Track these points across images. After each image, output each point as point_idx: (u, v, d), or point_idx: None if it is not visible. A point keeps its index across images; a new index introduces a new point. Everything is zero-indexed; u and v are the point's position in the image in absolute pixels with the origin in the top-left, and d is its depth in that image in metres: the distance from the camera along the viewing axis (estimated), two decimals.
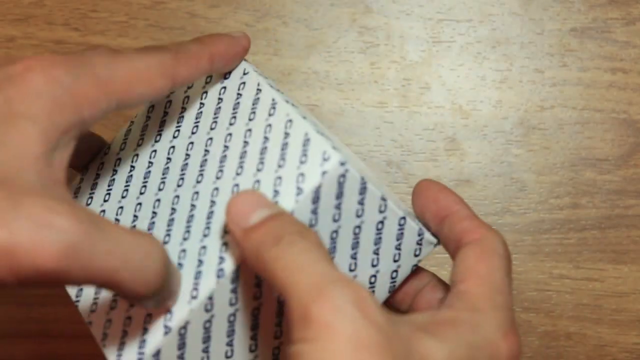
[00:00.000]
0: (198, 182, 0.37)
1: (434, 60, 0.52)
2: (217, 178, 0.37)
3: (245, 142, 0.37)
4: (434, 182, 0.37)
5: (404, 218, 0.36)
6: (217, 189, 0.36)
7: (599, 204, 0.51)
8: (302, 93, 0.52)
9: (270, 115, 0.36)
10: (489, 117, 0.52)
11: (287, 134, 0.35)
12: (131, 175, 0.40)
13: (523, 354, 0.51)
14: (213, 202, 0.36)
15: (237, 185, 0.36)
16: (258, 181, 0.35)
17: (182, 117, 0.40)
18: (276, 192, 0.34)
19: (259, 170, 0.35)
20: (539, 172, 0.51)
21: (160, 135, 0.40)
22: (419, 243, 0.37)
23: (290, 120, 0.35)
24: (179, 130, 0.40)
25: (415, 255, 0.37)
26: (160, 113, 0.41)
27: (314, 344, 0.28)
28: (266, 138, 0.36)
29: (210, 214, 0.36)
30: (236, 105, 0.38)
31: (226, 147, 0.37)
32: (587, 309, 0.51)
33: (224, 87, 0.39)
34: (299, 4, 0.52)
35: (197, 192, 0.37)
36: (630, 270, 0.51)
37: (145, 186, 0.39)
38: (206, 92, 0.40)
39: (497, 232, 0.35)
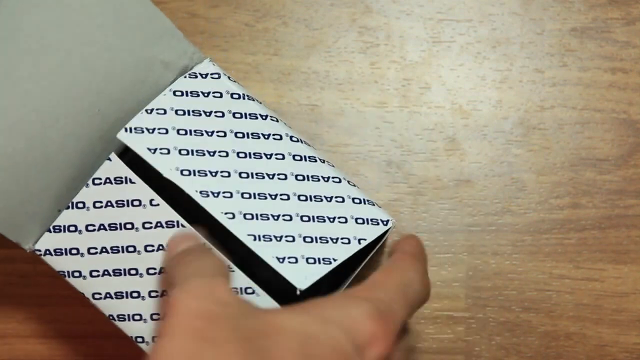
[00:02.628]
0: None
1: (434, 60, 0.52)
2: None
3: None
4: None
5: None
6: None
7: (599, 204, 0.51)
8: (302, 93, 0.52)
9: None
10: (489, 117, 0.52)
11: None
12: None
13: (523, 354, 0.51)
14: None
15: None
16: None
17: None
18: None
19: None
20: (539, 172, 0.51)
21: None
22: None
23: None
24: None
25: None
26: None
27: (164, 320, 0.31)
28: None
29: None
30: None
31: None
32: (587, 309, 0.51)
33: None
34: (299, 4, 0.52)
35: None
36: (630, 270, 0.51)
37: None
38: None
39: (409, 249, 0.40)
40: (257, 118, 0.40)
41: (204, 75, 0.40)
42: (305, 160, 0.40)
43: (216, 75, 0.40)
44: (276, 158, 0.39)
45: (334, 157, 0.51)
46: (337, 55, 0.52)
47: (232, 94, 0.40)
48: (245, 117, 0.40)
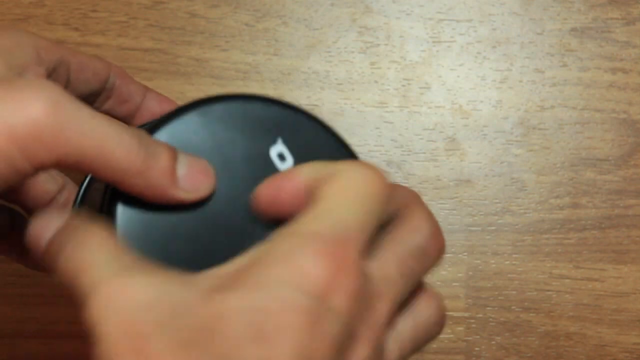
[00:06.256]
0: None
1: (434, 60, 0.52)
2: None
3: None
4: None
5: None
6: None
7: (599, 204, 0.51)
8: (302, 93, 0.52)
9: None
10: (489, 117, 0.52)
11: None
12: None
13: (523, 354, 0.51)
14: None
15: None
16: None
17: None
18: None
19: None
20: (539, 172, 0.51)
21: None
22: None
23: None
24: None
25: None
26: None
27: (94, 347, 0.26)
28: None
29: None
30: None
31: None
32: (587, 309, 0.51)
33: None
34: (299, 4, 0.52)
35: None
36: (630, 270, 0.51)
37: None
38: None
39: None
40: None
41: None
42: None
43: None
44: None
45: None
46: (337, 55, 0.52)
47: None
48: None
